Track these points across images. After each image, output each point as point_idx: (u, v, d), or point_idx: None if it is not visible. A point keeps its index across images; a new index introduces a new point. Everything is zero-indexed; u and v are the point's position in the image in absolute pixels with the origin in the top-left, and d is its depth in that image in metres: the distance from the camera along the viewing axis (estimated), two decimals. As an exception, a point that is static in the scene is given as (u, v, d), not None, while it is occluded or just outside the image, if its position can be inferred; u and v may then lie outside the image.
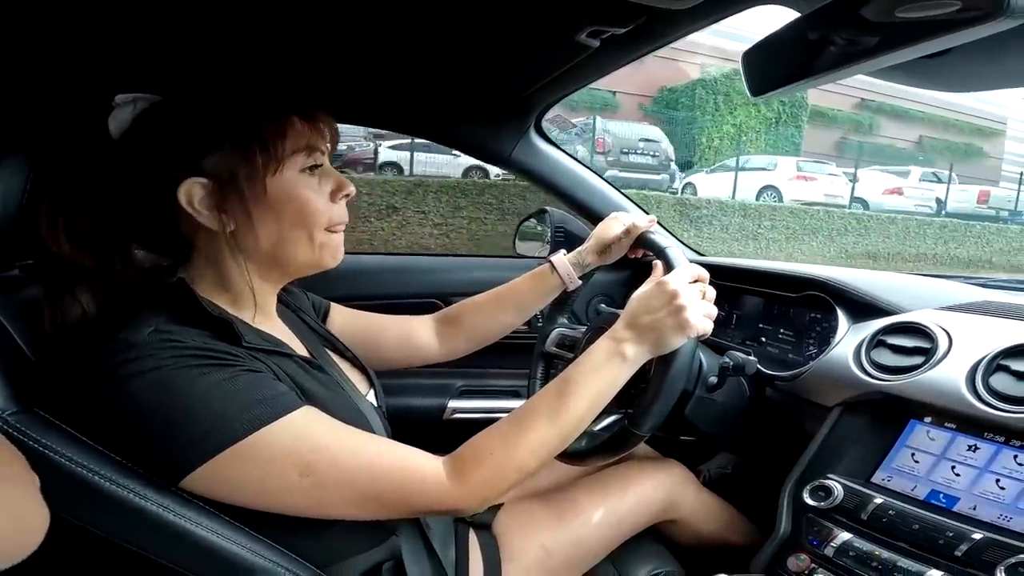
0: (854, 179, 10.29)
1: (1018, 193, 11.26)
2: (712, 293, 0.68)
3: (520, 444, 0.58)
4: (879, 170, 11.56)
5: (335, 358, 0.73)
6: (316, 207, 0.59)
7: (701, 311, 0.64)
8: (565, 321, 0.95)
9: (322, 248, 0.61)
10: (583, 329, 0.89)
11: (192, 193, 0.55)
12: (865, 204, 10.30)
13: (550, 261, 0.86)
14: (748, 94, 0.63)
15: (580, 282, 0.86)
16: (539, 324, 1.13)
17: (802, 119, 13.01)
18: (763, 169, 10.16)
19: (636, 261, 0.90)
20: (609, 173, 8.41)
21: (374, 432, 0.63)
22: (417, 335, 0.88)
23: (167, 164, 0.55)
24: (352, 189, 0.63)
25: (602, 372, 0.62)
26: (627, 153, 9.49)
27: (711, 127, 12.09)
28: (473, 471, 0.56)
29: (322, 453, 0.51)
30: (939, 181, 11.02)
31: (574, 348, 0.89)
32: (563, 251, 0.88)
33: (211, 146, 0.55)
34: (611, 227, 0.84)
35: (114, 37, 0.67)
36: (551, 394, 0.62)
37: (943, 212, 10.67)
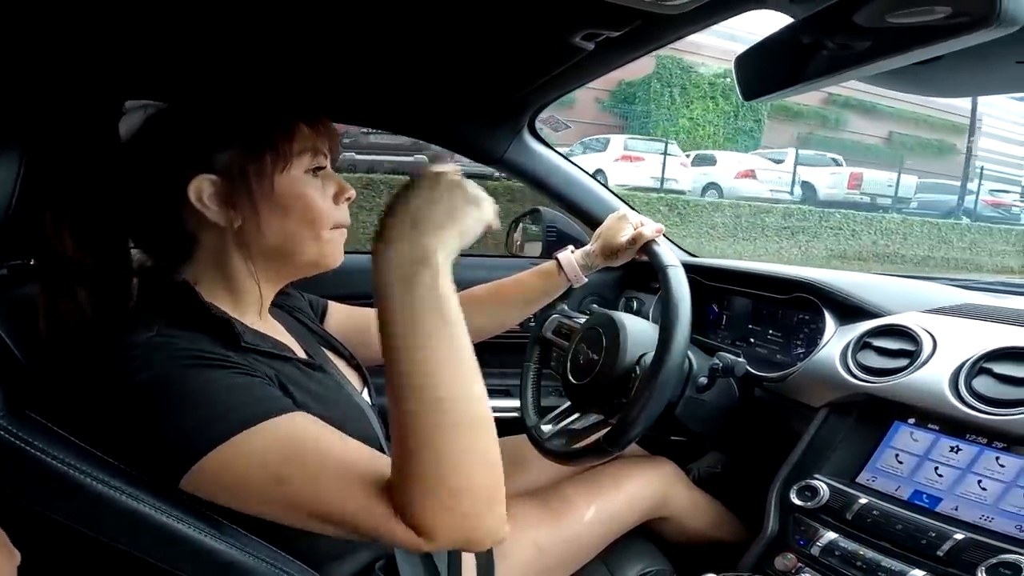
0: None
1: (898, 180, 10.87)
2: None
3: (442, 472, 0.45)
4: (758, 154, 11.38)
5: (331, 357, 0.73)
6: (321, 208, 0.60)
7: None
8: (564, 308, 0.95)
9: (327, 247, 0.62)
10: (582, 319, 0.90)
11: (202, 189, 0.55)
12: (719, 189, 9.95)
13: (557, 259, 0.86)
14: (740, 96, 0.64)
15: (586, 279, 0.86)
16: (531, 324, 1.13)
17: (762, 113, 12.81)
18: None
19: (631, 261, 0.91)
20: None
21: (373, 429, 0.63)
22: None
23: (178, 161, 0.56)
24: (352, 192, 0.64)
25: (416, 297, 0.45)
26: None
27: (666, 121, 11.94)
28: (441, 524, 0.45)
29: (301, 464, 0.47)
30: (814, 164, 10.80)
31: (570, 337, 0.89)
32: (571, 247, 0.88)
33: (221, 144, 0.56)
34: (619, 231, 0.83)
35: (114, 40, 0.67)
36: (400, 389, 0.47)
37: (816, 199, 10.26)
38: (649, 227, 0.81)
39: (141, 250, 0.61)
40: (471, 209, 0.50)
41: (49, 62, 0.67)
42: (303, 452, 0.48)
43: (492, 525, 0.47)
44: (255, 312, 0.62)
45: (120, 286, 0.58)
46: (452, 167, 0.52)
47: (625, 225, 0.83)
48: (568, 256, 0.85)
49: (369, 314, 0.87)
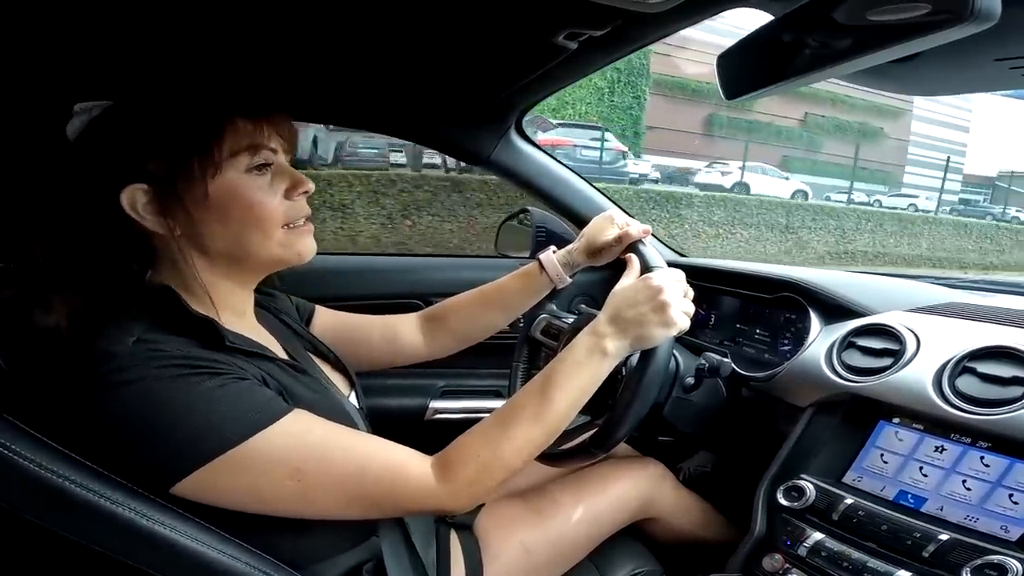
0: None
1: (744, 170, 10.02)
2: (691, 293, 0.69)
3: (505, 442, 0.58)
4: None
5: (316, 360, 0.73)
6: (266, 207, 0.58)
7: (682, 308, 0.65)
8: (553, 308, 0.95)
9: (284, 246, 0.60)
10: (570, 319, 0.89)
11: (135, 199, 0.54)
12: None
13: (539, 260, 0.85)
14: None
15: (569, 280, 0.86)
16: (521, 325, 1.12)
17: (641, 88, 11.61)
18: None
19: (618, 261, 0.90)
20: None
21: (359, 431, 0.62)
22: (403, 334, 0.88)
23: (110, 170, 0.54)
24: (310, 186, 0.62)
25: (584, 368, 0.63)
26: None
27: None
28: (460, 471, 0.57)
29: (312, 456, 0.52)
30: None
31: (558, 337, 0.88)
32: (552, 248, 0.87)
33: (150, 151, 0.54)
34: (603, 230, 0.82)
35: (69, 42, 0.66)
36: (534, 391, 0.62)
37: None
38: (635, 227, 0.81)
39: (112, 254, 0.59)
40: (659, 321, 0.63)
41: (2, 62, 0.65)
42: (312, 443, 0.52)
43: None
44: (229, 313, 0.61)
45: (95, 291, 0.56)
46: (672, 273, 0.68)
47: (610, 225, 0.82)
48: (550, 256, 0.85)
49: (359, 320, 0.86)
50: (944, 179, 11.35)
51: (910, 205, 12.42)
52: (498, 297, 0.87)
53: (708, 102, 13.01)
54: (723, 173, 11.00)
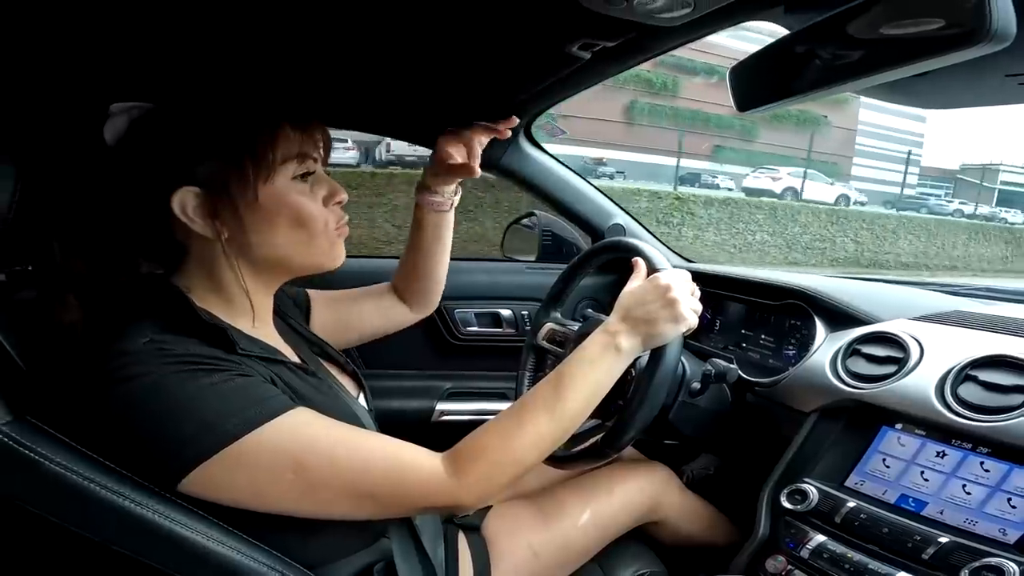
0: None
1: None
2: (698, 292, 0.71)
3: (518, 439, 0.59)
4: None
5: (325, 364, 0.74)
6: (311, 212, 0.60)
7: (691, 305, 0.67)
8: (558, 315, 0.96)
9: (324, 253, 0.62)
10: (575, 326, 0.91)
11: (185, 202, 0.55)
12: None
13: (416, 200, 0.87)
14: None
15: (455, 197, 0.87)
16: (527, 328, 1.13)
17: None
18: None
19: (621, 265, 0.92)
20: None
21: None
22: (388, 298, 0.91)
23: (160, 173, 0.55)
24: (344, 196, 0.64)
25: (597, 365, 0.64)
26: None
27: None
28: (472, 467, 0.56)
29: (316, 452, 0.52)
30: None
31: (564, 344, 0.90)
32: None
33: (203, 155, 0.55)
34: (442, 144, 0.85)
35: (108, 44, 0.66)
36: (547, 388, 0.62)
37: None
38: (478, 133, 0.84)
39: (136, 256, 0.60)
40: (669, 316, 0.65)
41: (35, 69, 0.66)
42: (315, 438, 0.52)
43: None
44: (248, 319, 0.62)
45: (112, 293, 0.57)
46: (679, 273, 0.70)
47: (450, 136, 0.85)
48: (419, 199, 0.86)
49: (349, 293, 0.89)
50: (906, 173, 10.87)
51: (840, 197, 11.56)
52: (421, 242, 0.87)
53: (627, 88, 12.48)
54: (773, 179, 10.81)
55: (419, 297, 0.91)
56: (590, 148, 12.33)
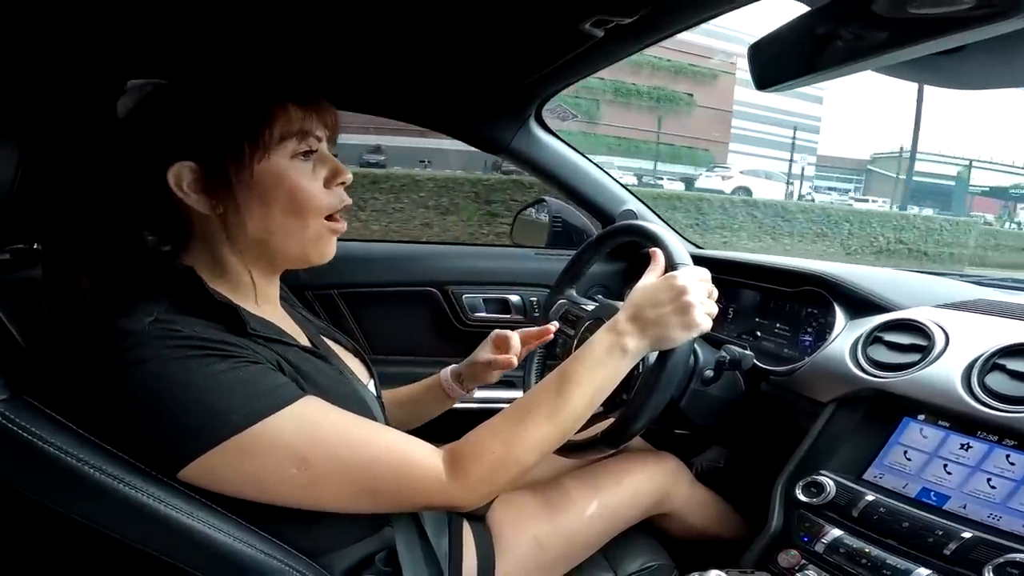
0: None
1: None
2: (716, 293, 0.68)
3: (519, 439, 0.58)
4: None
5: (334, 347, 0.73)
6: (309, 193, 0.58)
7: (706, 310, 0.65)
8: (573, 293, 0.95)
9: (314, 241, 0.60)
10: (590, 306, 0.89)
11: (181, 176, 0.54)
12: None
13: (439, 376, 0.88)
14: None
15: (465, 394, 0.88)
16: (535, 315, 1.12)
17: None
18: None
19: (633, 251, 0.90)
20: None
21: (376, 420, 0.62)
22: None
23: (159, 146, 0.55)
24: (349, 176, 0.62)
25: (602, 366, 0.62)
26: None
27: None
28: (472, 467, 0.56)
29: (320, 447, 0.51)
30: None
31: (576, 325, 0.89)
32: (452, 365, 0.88)
33: (201, 130, 0.55)
34: (483, 347, 0.86)
35: (116, 22, 0.66)
36: (550, 388, 0.61)
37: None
38: (515, 350, 0.82)
39: (141, 230, 0.60)
40: (681, 322, 0.63)
41: (39, 47, 0.66)
42: (320, 433, 0.52)
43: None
44: (252, 299, 0.61)
45: (122, 270, 0.57)
46: (698, 272, 0.67)
47: (489, 344, 0.85)
48: (447, 372, 0.88)
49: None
50: (791, 160, 9.58)
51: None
52: (410, 403, 0.89)
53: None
54: (723, 178, 10.40)
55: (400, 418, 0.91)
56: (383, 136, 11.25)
